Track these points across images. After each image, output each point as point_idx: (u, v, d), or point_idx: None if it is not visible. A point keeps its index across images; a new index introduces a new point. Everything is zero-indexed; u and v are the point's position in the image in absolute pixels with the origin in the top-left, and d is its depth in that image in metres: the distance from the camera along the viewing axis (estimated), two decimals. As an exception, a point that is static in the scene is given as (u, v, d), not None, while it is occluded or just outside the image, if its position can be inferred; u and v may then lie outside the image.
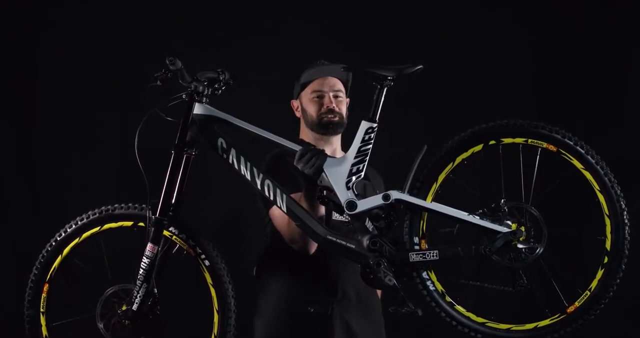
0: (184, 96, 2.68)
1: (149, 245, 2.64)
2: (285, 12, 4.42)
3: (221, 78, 2.72)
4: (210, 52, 4.19)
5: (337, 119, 3.04)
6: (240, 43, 4.36)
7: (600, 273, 2.47)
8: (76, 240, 2.75)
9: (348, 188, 2.62)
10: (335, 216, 2.86)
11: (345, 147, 3.07)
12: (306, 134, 3.11)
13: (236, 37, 4.38)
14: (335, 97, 3.06)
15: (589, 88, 4.36)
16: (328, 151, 2.96)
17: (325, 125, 3.04)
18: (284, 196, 2.64)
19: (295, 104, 3.16)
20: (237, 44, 4.36)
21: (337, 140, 3.12)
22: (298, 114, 3.15)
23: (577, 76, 4.35)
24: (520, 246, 2.50)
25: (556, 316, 2.52)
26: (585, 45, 4.37)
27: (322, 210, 2.81)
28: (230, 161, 2.66)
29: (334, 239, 2.61)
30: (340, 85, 3.09)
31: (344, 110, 3.08)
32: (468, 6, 4.48)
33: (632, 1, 4.42)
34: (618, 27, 4.39)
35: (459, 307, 2.59)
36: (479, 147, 2.57)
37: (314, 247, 2.87)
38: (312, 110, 3.06)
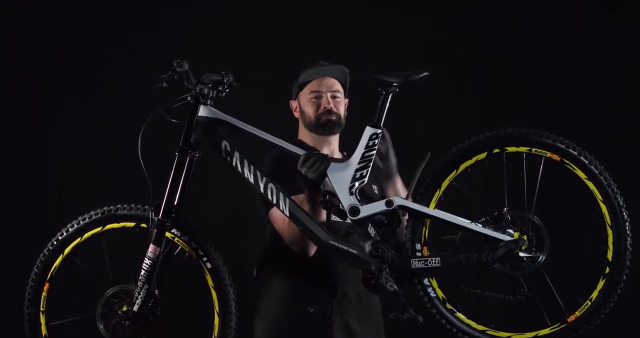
0: (189, 98, 2.68)
1: (151, 247, 2.64)
2: (285, 12, 4.41)
3: (225, 80, 2.71)
4: (210, 52, 4.19)
5: (334, 117, 3.03)
6: (240, 43, 4.35)
7: (601, 283, 2.47)
8: (78, 240, 2.75)
9: (351, 193, 2.62)
10: (334, 217, 2.84)
11: (344, 147, 3.09)
12: (305, 135, 3.11)
13: (236, 37, 4.37)
14: (333, 97, 3.06)
15: (589, 88, 4.35)
16: (326, 151, 2.99)
17: (323, 125, 3.04)
18: (287, 200, 2.64)
19: (293, 104, 3.15)
20: (237, 44, 4.34)
21: (335, 140, 3.11)
22: (297, 115, 3.14)
23: (577, 76, 4.34)
24: (522, 255, 2.50)
25: (556, 325, 2.52)
26: (585, 45, 4.37)
27: (324, 214, 2.80)
28: (234, 164, 2.66)
29: (336, 244, 2.61)
30: (338, 86, 3.08)
31: (341, 110, 3.07)
32: (468, 6, 4.47)
33: (632, 1, 4.41)
34: (618, 27, 4.38)
35: (459, 314, 2.59)
36: (483, 155, 2.57)
37: (313, 249, 2.88)
38: (309, 110, 3.06)
